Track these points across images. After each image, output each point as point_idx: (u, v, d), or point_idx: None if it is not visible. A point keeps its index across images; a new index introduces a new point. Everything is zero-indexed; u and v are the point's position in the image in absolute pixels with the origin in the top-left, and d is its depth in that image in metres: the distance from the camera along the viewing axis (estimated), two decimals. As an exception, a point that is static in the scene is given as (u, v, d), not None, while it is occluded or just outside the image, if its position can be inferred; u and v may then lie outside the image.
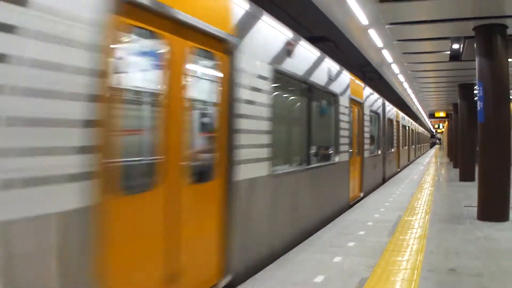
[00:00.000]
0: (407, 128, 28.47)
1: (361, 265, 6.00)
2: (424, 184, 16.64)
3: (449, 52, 11.50)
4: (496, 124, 9.11)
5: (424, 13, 8.97)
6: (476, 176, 9.86)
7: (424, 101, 28.56)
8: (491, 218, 9.01)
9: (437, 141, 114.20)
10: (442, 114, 34.80)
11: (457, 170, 19.45)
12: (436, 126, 63.91)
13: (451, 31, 10.16)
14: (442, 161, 35.62)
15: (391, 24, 9.52)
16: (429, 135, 68.62)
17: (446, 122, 43.45)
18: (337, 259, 6.33)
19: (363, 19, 9.30)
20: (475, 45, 9.62)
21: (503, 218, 8.99)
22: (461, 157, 18.20)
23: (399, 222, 8.93)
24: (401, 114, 25.12)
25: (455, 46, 11.12)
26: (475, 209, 9.53)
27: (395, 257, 6.37)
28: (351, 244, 7.18)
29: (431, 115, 37.10)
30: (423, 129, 58.49)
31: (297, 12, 13.69)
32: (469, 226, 8.59)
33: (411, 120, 33.74)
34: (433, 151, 67.08)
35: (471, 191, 13.04)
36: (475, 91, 14.87)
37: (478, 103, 9.32)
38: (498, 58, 9.23)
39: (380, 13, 8.81)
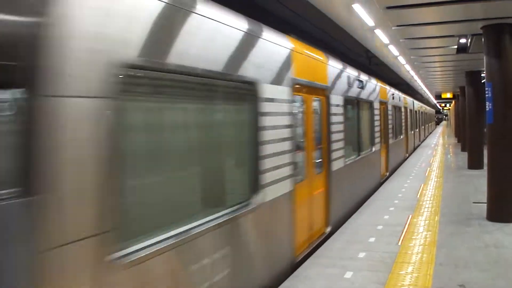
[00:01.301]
0: (418, 112, 31.94)
1: (372, 283, 6.08)
2: (432, 173, 16.65)
3: (456, 47, 11.44)
4: (505, 126, 9.07)
5: (431, 16, 8.89)
6: (485, 163, 9.77)
7: (431, 85, 28.41)
8: (501, 219, 9.06)
9: (444, 117, 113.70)
10: (449, 95, 34.63)
11: (465, 155, 19.42)
12: (443, 105, 63.60)
13: (458, 30, 10.09)
14: (449, 141, 35.54)
15: (398, 26, 9.45)
16: (434, 113, 67.20)
17: (453, 102, 43.21)
18: (348, 274, 6.41)
19: (369, 22, 9.24)
20: (483, 44, 9.53)
21: (512, 219, 9.03)
22: (469, 144, 18.14)
23: (409, 225, 8.99)
24: (412, 101, 27.79)
25: (462, 40, 11.06)
26: (485, 206, 9.57)
27: (405, 270, 6.45)
28: (361, 255, 7.25)
29: (438, 96, 36.93)
30: (430, 108, 58.05)
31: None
32: (478, 229, 8.63)
33: (421, 104, 34.86)
34: (440, 129, 66.13)
35: (479, 182, 13.10)
36: (483, 80, 14.81)
37: (487, 103, 9.27)
38: (508, 58, 9.12)
39: (387, 17, 8.74)
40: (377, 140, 14.16)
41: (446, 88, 30.87)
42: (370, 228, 8.93)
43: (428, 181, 14.73)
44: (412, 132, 27.10)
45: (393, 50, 12.96)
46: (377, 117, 14.12)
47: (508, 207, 9.15)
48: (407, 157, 23.26)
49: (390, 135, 17.03)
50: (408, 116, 24.45)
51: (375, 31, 10.15)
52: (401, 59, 15.31)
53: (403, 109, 21.63)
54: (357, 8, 8.24)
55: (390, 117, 16.86)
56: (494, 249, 7.39)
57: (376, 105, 14.04)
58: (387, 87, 16.59)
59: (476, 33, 9.93)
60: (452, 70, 18.19)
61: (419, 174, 16.65)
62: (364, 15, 8.72)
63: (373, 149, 13.61)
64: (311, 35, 14.63)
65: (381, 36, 10.73)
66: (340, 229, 8.95)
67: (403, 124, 21.79)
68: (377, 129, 14.11)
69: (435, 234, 8.30)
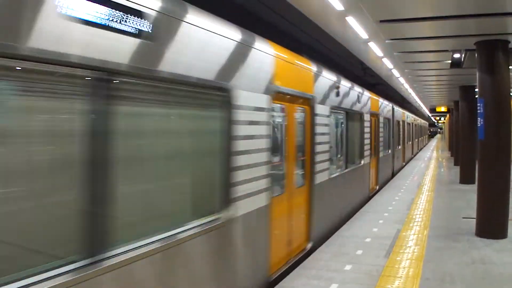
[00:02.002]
0: (411, 125, 31.49)
1: (357, 296, 6.05)
2: (423, 187, 16.66)
3: (450, 61, 11.48)
4: (496, 143, 9.07)
5: (425, 30, 8.92)
6: (477, 178, 9.78)
7: (425, 98, 28.50)
8: (489, 235, 9.05)
9: (439, 130, 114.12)
10: (443, 109, 34.74)
11: (457, 169, 19.44)
12: (438, 118, 63.81)
13: (452, 45, 10.12)
14: (443, 155, 35.63)
15: (391, 39, 9.48)
16: (427, 125, 66.38)
17: (448, 116, 43.35)
18: (333, 287, 6.38)
19: (363, 34, 9.26)
20: (476, 60, 9.56)
21: (501, 235, 9.02)
22: (461, 159, 18.17)
23: (397, 239, 8.97)
24: (406, 113, 27.55)
25: (456, 55, 11.10)
26: (474, 222, 9.57)
27: (391, 284, 6.42)
28: (348, 267, 7.22)
29: (433, 110, 37.04)
30: (424, 121, 58.04)
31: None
32: (466, 244, 8.62)
33: (414, 117, 35.04)
34: (434, 143, 66.03)
35: (470, 197, 13.09)
36: (476, 95, 14.82)
37: (479, 119, 9.28)
38: (500, 74, 9.13)
39: (380, 31, 8.77)
40: (367, 153, 14.03)
41: (440, 102, 30.98)
42: (358, 240, 8.90)
43: (419, 195, 14.73)
44: (410, 142, 27.24)
45: (387, 63, 12.99)
46: (367, 129, 14.03)
47: (497, 223, 9.14)
48: (404, 165, 23.42)
49: (382, 148, 17.14)
50: (406, 129, 24.66)
51: (369, 43, 10.17)
52: (395, 72, 15.35)
53: (401, 122, 21.84)
54: (351, 20, 8.26)
55: (381, 129, 16.96)
56: (482, 265, 7.37)
57: (367, 117, 13.96)
58: (380, 99, 16.53)
59: (470, 48, 9.96)
60: (446, 84, 18.27)
61: (410, 187, 16.65)
62: (357, 28, 8.74)
63: (362, 162, 13.45)
64: (307, 46, 14.71)
65: (375, 49, 10.76)
66: (328, 241, 8.92)
67: (401, 135, 22.05)
68: (367, 141, 14.01)
69: (423, 249, 8.28)
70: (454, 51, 10.72)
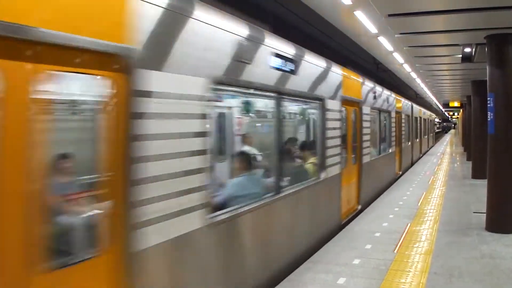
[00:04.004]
0: (427, 120, 34.46)
1: (364, 289, 6.08)
2: (435, 182, 16.59)
3: (460, 55, 11.41)
4: (506, 137, 9.03)
5: (435, 24, 8.89)
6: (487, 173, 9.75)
7: (439, 93, 28.34)
8: (499, 230, 9.01)
9: (453, 125, 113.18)
10: (456, 104, 34.49)
11: (470, 164, 19.31)
12: (451, 113, 63.38)
13: (463, 39, 10.06)
14: (456, 150, 35.40)
15: (401, 33, 9.45)
16: (440, 121, 66.18)
17: (461, 111, 43.05)
18: (341, 280, 6.41)
19: (372, 29, 9.24)
20: (486, 54, 9.51)
21: (511, 229, 8.97)
22: (473, 154, 18.07)
23: (407, 233, 8.97)
24: (422, 110, 30.17)
25: (467, 49, 11.03)
26: (484, 217, 9.53)
27: (399, 279, 6.44)
28: (356, 261, 7.25)
29: (446, 105, 36.80)
30: (437, 116, 57.89)
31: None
32: (476, 239, 8.60)
33: (429, 113, 36.77)
34: (447, 138, 65.68)
35: (482, 192, 12.99)
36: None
37: (489, 113, 9.25)
38: (510, 68, 9.06)
39: (389, 25, 8.75)
40: (393, 143, 17.27)
41: (453, 97, 30.78)
42: (367, 235, 8.92)
43: (430, 189, 14.68)
44: (426, 136, 29.09)
45: (398, 57, 12.94)
46: (393, 125, 17.21)
47: (507, 218, 9.10)
48: (421, 157, 26.94)
49: (403, 140, 20.51)
50: (422, 124, 26.68)
51: (378, 38, 10.15)
52: (407, 67, 15.28)
53: (418, 118, 24.73)
54: (359, 15, 8.26)
55: (403, 124, 20.29)
56: (491, 260, 7.35)
57: (393, 114, 17.10)
58: (402, 99, 19.94)
59: (480, 42, 9.90)
60: (459, 79, 18.14)
61: (422, 181, 16.60)
62: (366, 22, 8.73)
63: (390, 150, 16.69)
64: (318, 41, 14.68)
65: (385, 43, 10.73)
66: (338, 235, 8.95)
67: (419, 129, 25.89)
68: (393, 134, 17.28)
69: (433, 243, 8.28)
70: (465, 45, 10.66)
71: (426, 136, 33.35)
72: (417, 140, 26.47)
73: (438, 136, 56.17)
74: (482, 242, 8.39)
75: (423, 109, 30.09)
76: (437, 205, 11.99)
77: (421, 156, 28.15)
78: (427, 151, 33.39)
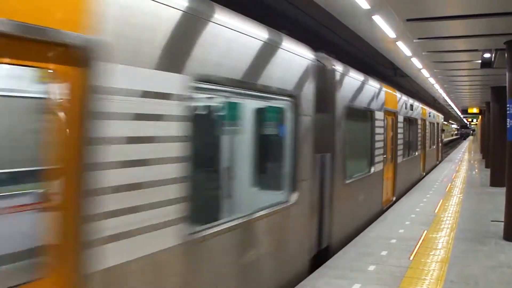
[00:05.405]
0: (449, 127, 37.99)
1: (379, 296, 6.02)
2: (453, 189, 16.40)
3: (480, 61, 11.30)
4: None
5: (453, 29, 8.80)
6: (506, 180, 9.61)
7: (457, 99, 28.07)
8: (517, 239, 8.87)
9: (471, 131, 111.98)
10: (475, 110, 34.10)
11: (488, 172, 19.07)
12: (470, 120, 62.73)
13: (482, 44, 9.95)
14: (474, 157, 34.99)
15: (420, 38, 9.37)
16: (458, 127, 65.56)
17: (480, 117, 42.58)
18: (355, 286, 6.35)
19: (391, 34, 9.18)
20: (506, 59, 9.39)
21: (529, 239, 8.84)
22: (492, 161, 17.83)
23: (423, 240, 8.87)
24: (440, 115, 31.07)
25: (487, 55, 10.91)
26: (502, 225, 9.39)
27: (414, 287, 6.36)
28: (371, 268, 7.18)
29: (464, 111, 36.40)
30: (454, 122, 57.63)
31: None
32: (493, 248, 8.47)
33: (451, 122, 38.75)
34: (466, 144, 64.98)
35: (500, 200, 12.81)
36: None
37: (508, 120, 9.14)
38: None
39: (408, 30, 8.68)
40: (419, 147, 19.64)
41: (472, 103, 30.46)
42: (383, 241, 8.83)
43: (447, 197, 14.51)
44: (440, 143, 30.53)
45: (416, 62, 12.85)
46: (419, 131, 19.52)
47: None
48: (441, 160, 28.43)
49: (428, 144, 22.55)
50: (441, 130, 27.91)
51: (397, 43, 10.08)
52: (425, 72, 15.16)
53: (440, 125, 27.91)
54: (378, 19, 8.21)
55: (428, 129, 22.43)
56: (508, 269, 7.23)
57: (419, 121, 19.33)
58: (426, 107, 21.99)
59: (500, 48, 9.79)
60: (478, 85, 17.94)
61: (439, 189, 16.42)
62: (385, 27, 8.68)
63: (416, 153, 18.77)
64: (336, 45, 14.63)
65: (404, 48, 10.66)
66: (353, 241, 8.88)
67: (439, 136, 28.59)
68: (419, 139, 19.59)
69: (449, 251, 8.18)
70: (484, 51, 10.54)
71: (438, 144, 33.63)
72: (434, 147, 26.37)
73: (455, 144, 55.51)
74: (499, 251, 8.26)
75: (440, 115, 30.00)
76: (454, 212, 11.85)
77: (437, 163, 27.98)
78: (444, 158, 33.08)
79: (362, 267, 7.23)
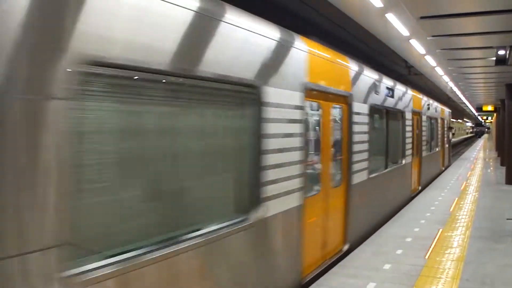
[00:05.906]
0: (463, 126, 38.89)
1: (394, 295, 6.01)
2: (468, 187, 16.29)
3: (494, 58, 11.20)
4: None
5: (467, 26, 8.74)
6: None
7: (471, 97, 27.86)
8: (534, 237, 8.80)
9: (486, 129, 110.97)
10: (490, 108, 33.78)
11: (503, 170, 18.93)
12: (485, 118, 62.18)
13: (497, 41, 9.87)
14: (490, 155, 34.71)
15: (433, 36, 9.32)
16: (473, 125, 65.06)
17: (495, 115, 42.18)
18: (371, 285, 6.35)
19: (404, 31, 9.15)
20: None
21: (546, 237, 8.76)
22: (507, 159, 17.69)
23: (438, 239, 8.83)
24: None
25: (501, 52, 10.82)
26: (519, 224, 9.34)
27: (430, 285, 6.34)
28: (387, 266, 7.17)
29: (479, 109, 36.09)
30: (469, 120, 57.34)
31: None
32: (509, 246, 8.40)
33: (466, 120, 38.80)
34: (481, 142, 64.39)
35: (516, 198, 12.78)
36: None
37: (523, 117, 9.04)
38: (546, 71, 8.89)
39: (421, 28, 8.64)
40: (439, 144, 21.21)
41: (487, 100, 30.20)
42: (398, 240, 8.81)
43: (462, 195, 14.41)
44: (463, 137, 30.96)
45: (430, 60, 12.78)
46: (439, 129, 21.24)
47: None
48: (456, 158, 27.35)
49: (446, 141, 23.90)
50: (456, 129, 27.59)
51: (410, 41, 10.04)
52: (439, 70, 15.07)
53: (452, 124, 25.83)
54: (391, 17, 8.18)
55: (445, 129, 23.76)
56: (524, 267, 7.19)
57: (439, 121, 20.92)
58: (444, 107, 23.33)
59: (515, 45, 9.73)
60: (493, 82, 17.80)
61: (454, 187, 16.32)
62: (398, 25, 8.64)
63: (436, 149, 20.30)
64: (350, 44, 14.60)
65: (417, 46, 10.61)
66: (368, 240, 8.86)
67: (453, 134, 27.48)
68: (439, 137, 21.29)
69: (465, 249, 8.13)
70: (499, 48, 10.46)
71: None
72: (447, 146, 26.12)
73: (469, 142, 55.03)
74: (516, 249, 8.21)
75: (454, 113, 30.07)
76: (470, 211, 11.77)
77: (451, 163, 27.65)
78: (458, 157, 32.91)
79: (377, 265, 7.22)
